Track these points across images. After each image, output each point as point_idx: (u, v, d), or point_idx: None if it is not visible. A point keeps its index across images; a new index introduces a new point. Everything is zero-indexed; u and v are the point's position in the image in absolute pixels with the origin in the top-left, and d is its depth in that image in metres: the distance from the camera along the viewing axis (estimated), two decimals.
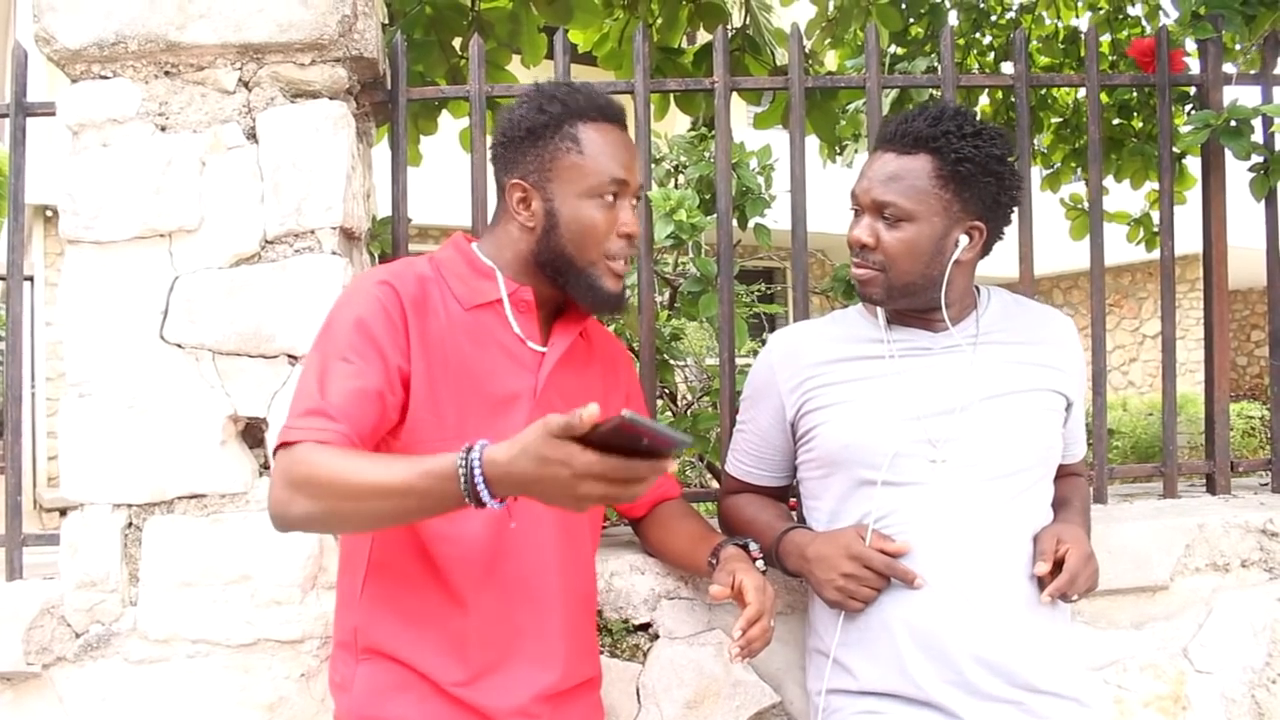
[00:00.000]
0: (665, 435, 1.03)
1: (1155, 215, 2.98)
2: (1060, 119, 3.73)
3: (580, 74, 1.93)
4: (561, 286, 1.48)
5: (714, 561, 1.54)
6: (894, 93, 3.35)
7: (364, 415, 1.31)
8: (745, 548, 1.56)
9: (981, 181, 1.50)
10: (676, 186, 2.70)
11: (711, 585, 1.47)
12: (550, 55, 2.18)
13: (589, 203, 1.43)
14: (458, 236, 1.53)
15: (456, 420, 1.40)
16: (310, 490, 1.23)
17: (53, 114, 1.85)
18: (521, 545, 1.44)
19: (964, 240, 1.52)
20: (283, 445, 1.29)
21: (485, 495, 1.12)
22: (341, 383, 1.31)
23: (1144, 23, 3.72)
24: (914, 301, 1.55)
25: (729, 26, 3.02)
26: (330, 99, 1.80)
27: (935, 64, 3.28)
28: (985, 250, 1.58)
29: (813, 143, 3.02)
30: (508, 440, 1.11)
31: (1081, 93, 3.27)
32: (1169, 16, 3.38)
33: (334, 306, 1.41)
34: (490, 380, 1.43)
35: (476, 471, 1.11)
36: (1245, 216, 2.37)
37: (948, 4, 3.75)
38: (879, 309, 1.60)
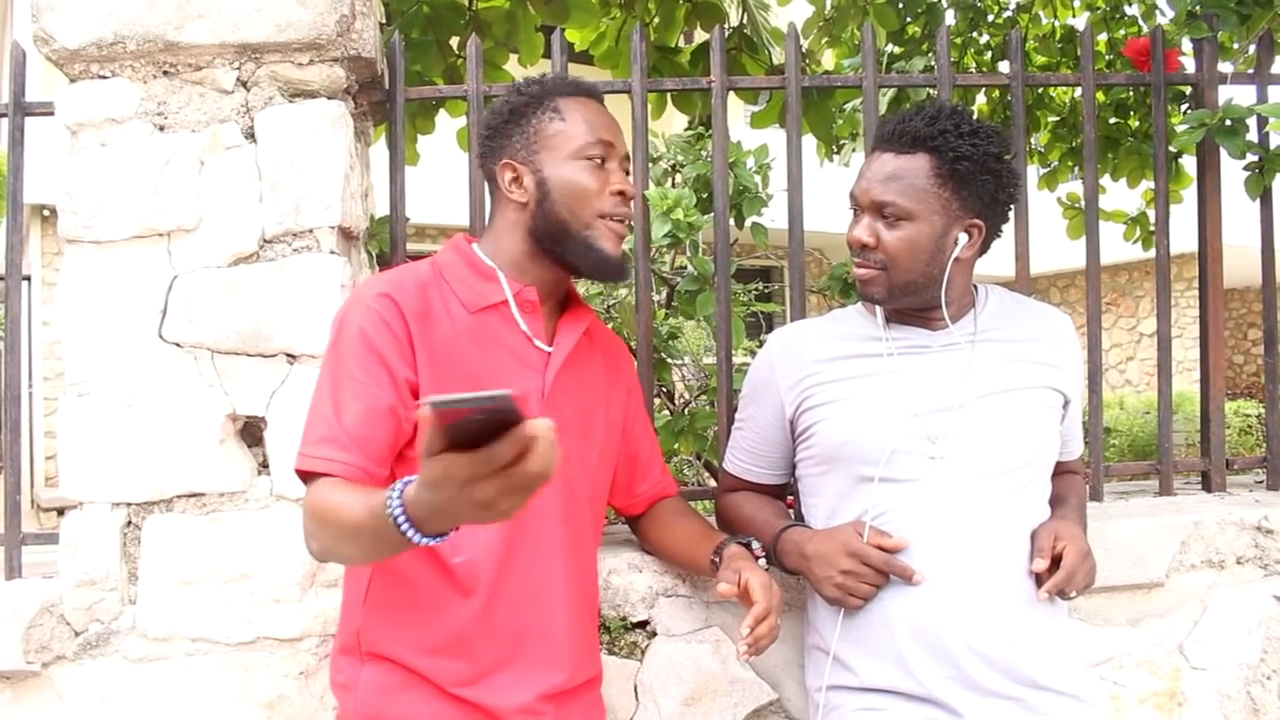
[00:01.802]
0: (477, 400, 0.87)
1: (1152, 214, 2.99)
2: (1057, 118, 3.74)
3: (577, 73, 1.93)
4: (561, 257, 1.48)
5: (717, 560, 1.55)
6: (891, 92, 3.36)
7: (378, 436, 1.34)
8: (748, 546, 1.56)
9: (980, 180, 1.50)
10: (674, 185, 2.70)
11: (718, 584, 1.47)
12: (547, 54, 2.19)
13: (576, 164, 1.45)
14: (459, 238, 1.53)
15: None
16: (314, 528, 1.28)
17: (51, 114, 1.85)
18: (528, 546, 1.44)
19: (963, 238, 1.52)
20: (304, 474, 1.32)
21: (410, 532, 1.04)
22: (354, 404, 1.34)
23: (1140, 22, 3.73)
24: (915, 300, 1.55)
25: (726, 26, 3.02)
26: (328, 98, 1.80)
27: (932, 63, 3.29)
28: (984, 248, 1.59)
29: (810, 142, 3.02)
30: None
31: (1078, 92, 3.27)
32: (1165, 16, 3.38)
33: (337, 322, 1.42)
34: (497, 383, 1.43)
35: (398, 511, 1.05)
36: (1243, 215, 2.38)
37: (945, 3, 3.75)
38: (878, 308, 1.61)
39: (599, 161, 1.47)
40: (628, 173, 1.53)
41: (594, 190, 1.46)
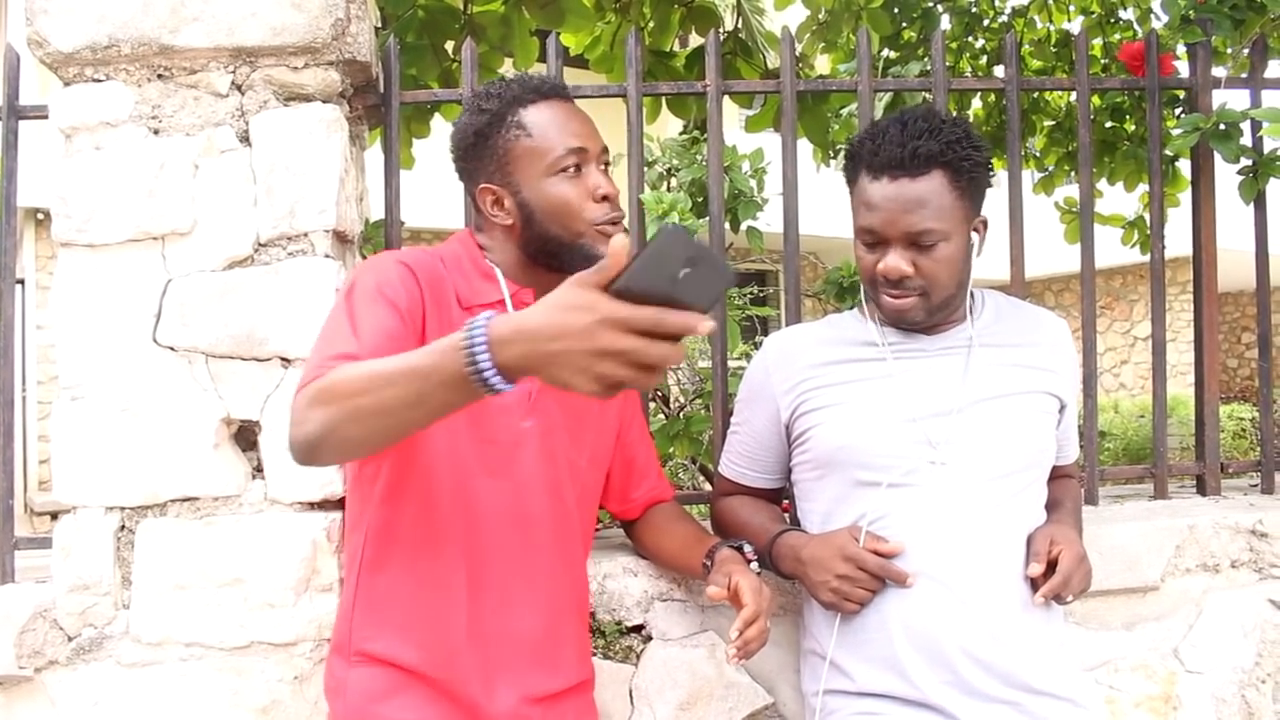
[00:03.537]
0: (712, 258, 0.86)
1: (1149, 217, 2.99)
2: (1053, 122, 3.74)
3: (572, 77, 1.93)
4: (559, 267, 1.46)
5: (709, 564, 1.54)
6: (886, 97, 3.36)
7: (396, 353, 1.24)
8: (740, 549, 1.56)
9: (981, 180, 1.52)
10: (669, 190, 2.70)
11: (708, 587, 1.47)
12: (542, 58, 2.18)
13: (553, 180, 1.43)
14: (465, 233, 1.54)
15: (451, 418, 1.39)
16: (325, 398, 1.14)
17: (45, 117, 1.84)
18: (514, 549, 1.44)
19: (975, 238, 1.53)
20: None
21: (485, 364, 0.96)
22: (373, 323, 1.29)
23: (1135, 27, 3.74)
24: (947, 314, 1.56)
25: (721, 30, 3.02)
26: (323, 102, 1.80)
27: (927, 68, 3.29)
28: None
29: (805, 146, 3.03)
30: None
31: (1073, 96, 3.28)
32: (1159, 21, 3.39)
33: (354, 278, 1.39)
34: None
35: (479, 334, 0.97)
36: (1236, 219, 2.39)
37: (939, 8, 3.76)
38: (872, 313, 1.61)
39: (574, 170, 1.44)
40: (607, 166, 1.50)
41: (577, 202, 1.44)
